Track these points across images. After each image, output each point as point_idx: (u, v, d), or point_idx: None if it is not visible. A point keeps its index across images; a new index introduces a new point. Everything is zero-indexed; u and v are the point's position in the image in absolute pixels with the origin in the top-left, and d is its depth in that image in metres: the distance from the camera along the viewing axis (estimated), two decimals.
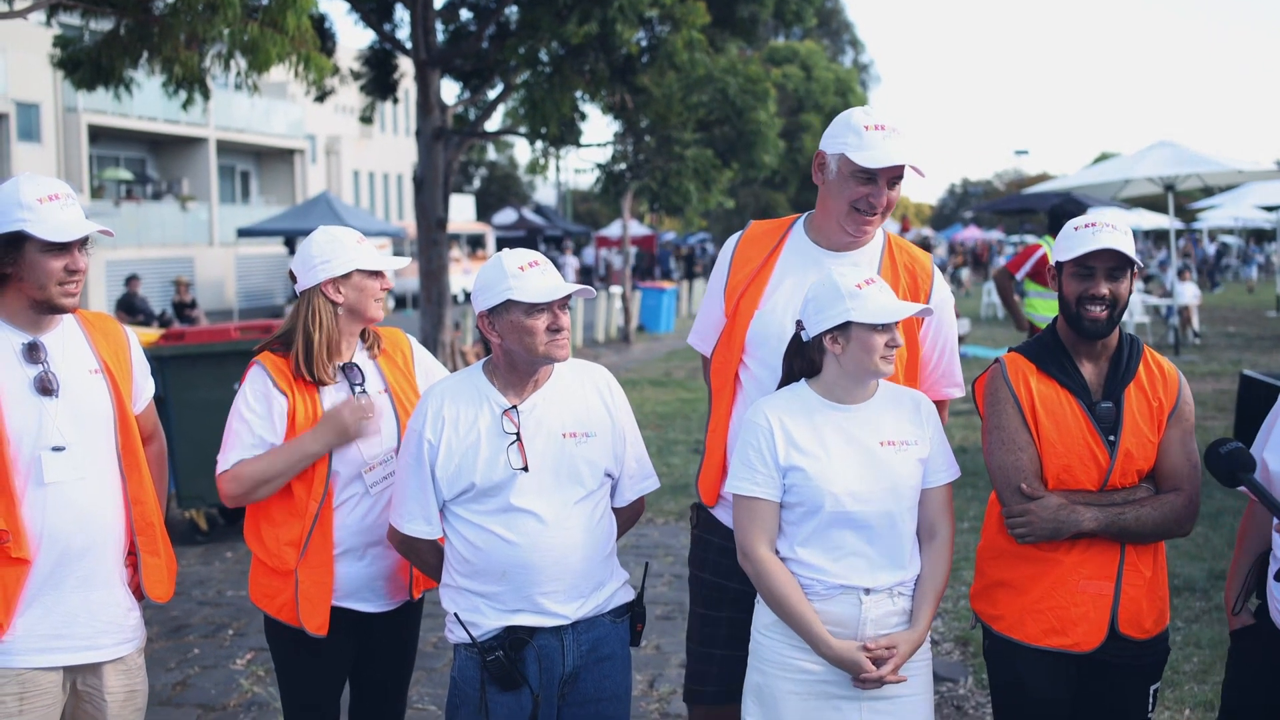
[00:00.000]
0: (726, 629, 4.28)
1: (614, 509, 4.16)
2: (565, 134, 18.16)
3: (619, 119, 19.18)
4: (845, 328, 3.83)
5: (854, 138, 4.08)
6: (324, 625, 4.31)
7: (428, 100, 18.58)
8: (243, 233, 36.55)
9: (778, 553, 3.89)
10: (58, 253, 3.86)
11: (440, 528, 4.02)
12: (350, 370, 4.41)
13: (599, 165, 19.48)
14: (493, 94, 20.83)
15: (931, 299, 4.26)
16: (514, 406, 3.95)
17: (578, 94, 17.87)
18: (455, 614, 3.96)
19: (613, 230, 57.22)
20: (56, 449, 3.89)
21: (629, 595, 4.16)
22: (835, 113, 27.64)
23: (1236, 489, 3.80)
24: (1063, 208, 11.21)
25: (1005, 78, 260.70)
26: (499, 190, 69.24)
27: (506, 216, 54.96)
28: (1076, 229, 4.02)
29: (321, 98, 19.42)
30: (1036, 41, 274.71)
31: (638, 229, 48.55)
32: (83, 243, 3.93)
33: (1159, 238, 56.18)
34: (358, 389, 4.37)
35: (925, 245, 49.12)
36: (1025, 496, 3.96)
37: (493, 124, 23.62)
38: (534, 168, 19.09)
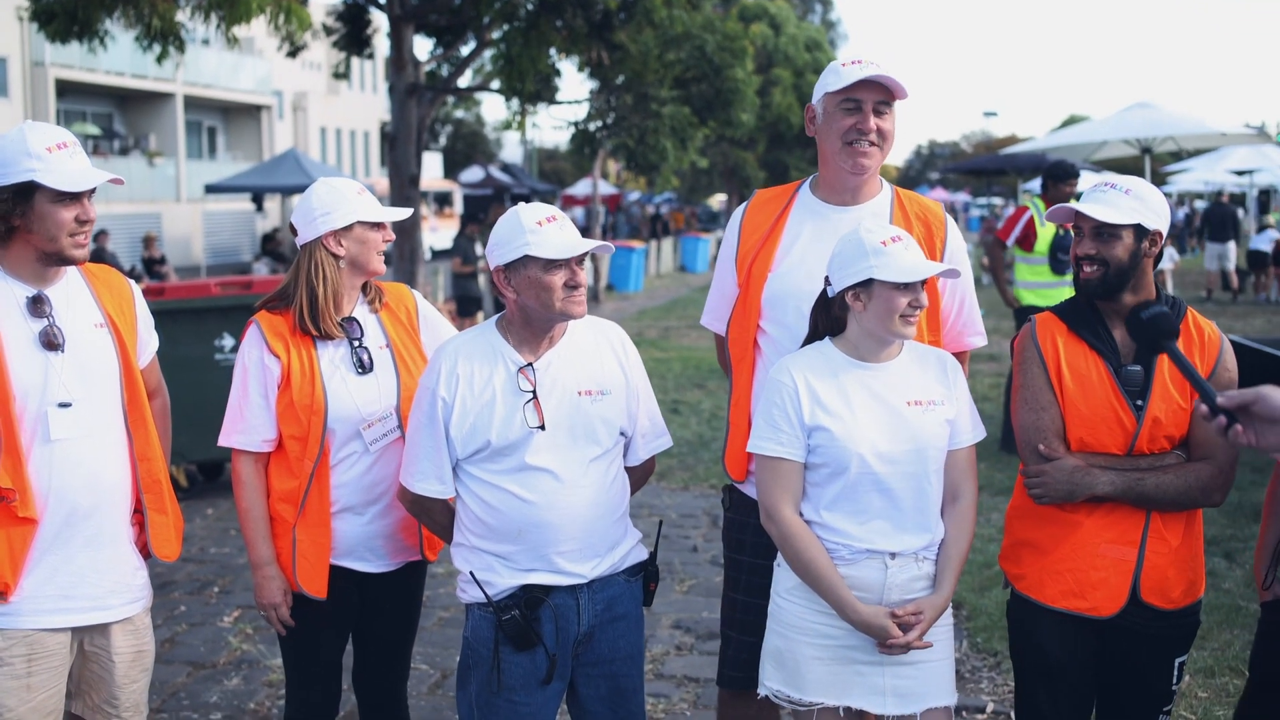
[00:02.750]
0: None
1: (626, 467, 4.12)
2: (541, 91, 18.02)
3: (594, 76, 19.04)
4: (868, 285, 3.78)
5: (833, 76, 4.14)
6: (323, 588, 4.26)
7: (401, 56, 18.37)
8: (210, 189, 36.26)
9: (801, 515, 3.86)
10: (68, 202, 3.78)
11: (453, 487, 3.97)
12: (350, 324, 4.33)
13: (573, 123, 19.33)
14: (466, 50, 20.65)
15: (947, 249, 4.23)
16: (529, 364, 3.90)
17: (553, 51, 17.74)
18: (470, 573, 3.92)
19: (579, 189, 57.04)
20: (63, 405, 3.82)
21: (643, 554, 4.13)
22: (805, 70, 27.63)
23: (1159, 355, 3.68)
24: (1057, 168, 11.16)
25: (974, 38, 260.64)
26: (465, 148, 68.79)
27: (473, 174, 54.47)
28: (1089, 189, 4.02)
29: (294, 53, 19.13)
30: (1006, 1, 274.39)
31: (605, 188, 48.39)
32: (91, 192, 3.85)
33: None
34: (356, 343, 4.30)
35: None
36: (1043, 457, 3.93)
37: (465, 80, 23.47)
38: (509, 125, 18.93)
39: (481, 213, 22.86)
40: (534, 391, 3.87)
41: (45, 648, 3.83)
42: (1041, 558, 4.04)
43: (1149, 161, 22.74)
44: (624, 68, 18.12)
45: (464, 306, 18.80)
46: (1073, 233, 4.07)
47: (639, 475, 4.22)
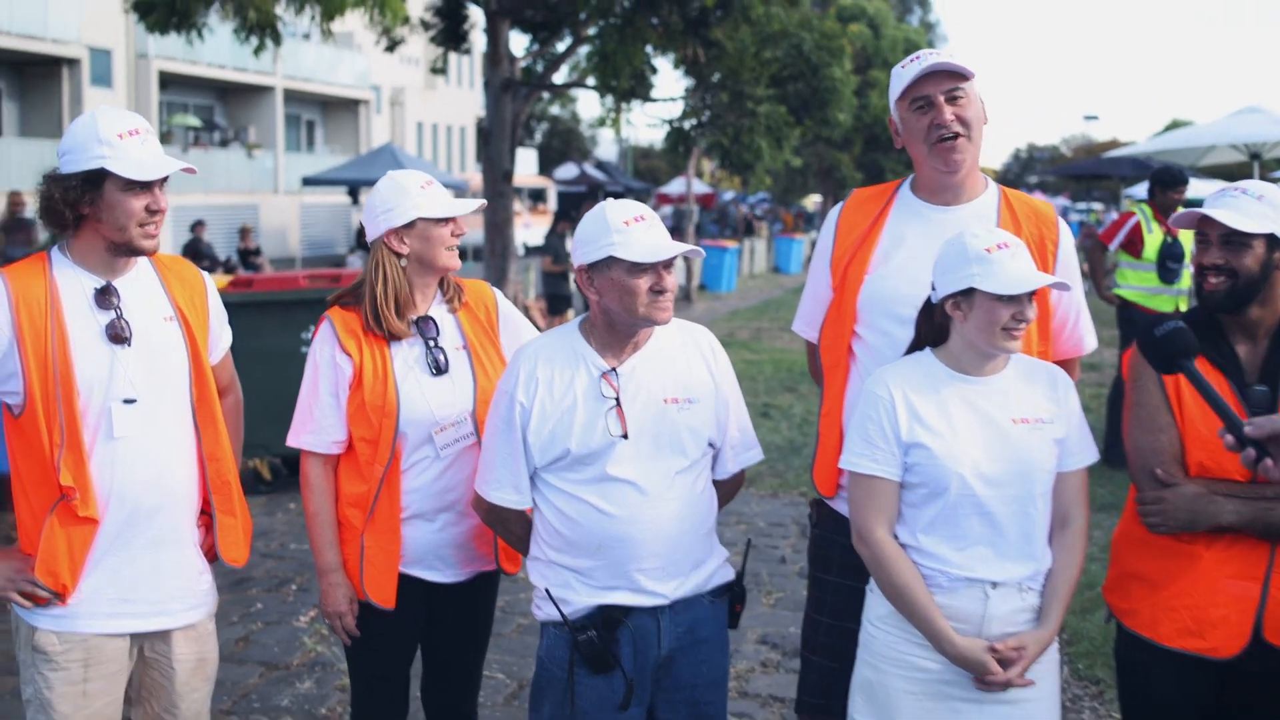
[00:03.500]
0: (856, 642, 3.98)
1: (714, 481, 3.90)
2: (636, 88, 17.85)
3: (690, 74, 18.84)
4: (969, 294, 3.53)
5: (896, 81, 3.95)
6: (391, 597, 4.09)
7: (496, 51, 18.35)
8: (307, 181, 36.49)
9: (896, 538, 3.62)
10: (139, 191, 3.63)
11: (530, 497, 3.77)
12: (425, 324, 4.14)
13: (668, 120, 19.15)
14: (561, 46, 20.57)
15: (1059, 252, 3.95)
16: (613, 369, 3.69)
17: (649, 47, 17.57)
18: (547, 590, 3.72)
19: (674, 187, 56.86)
20: (128, 401, 3.67)
21: (729, 574, 3.91)
22: None
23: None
24: (1165, 174, 10.92)
25: (1075, 41, 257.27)
26: (560, 145, 68.88)
27: (568, 171, 54.52)
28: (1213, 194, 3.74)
29: (391, 47, 19.22)
30: (1108, 3, 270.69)
31: (699, 187, 48.17)
32: (163, 181, 3.70)
33: None
34: (431, 343, 4.12)
35: None
36: (1160, 482, 3.65)
37: (560, 77, 23.37)
38: (603, 121, 18.77)
39: (574, 210, 22.70)
40: (617, 398, 3.67)
41: (103, 653, 3.70)
42: (1155, 593, 3.74)
43: (1258, 168, 22.20)
44: (720, 65, 17.92)
45: (554, 305, 18.67)
46: (1191, 240, 3.79)
47: (727, 489, 3.99)
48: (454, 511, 4.13)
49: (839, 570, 4.06)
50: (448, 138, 58.86)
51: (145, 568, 3.73)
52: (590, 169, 52.35)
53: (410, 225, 4.07)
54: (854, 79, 22.46)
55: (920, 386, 3.59)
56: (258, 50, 14.93)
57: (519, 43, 41.86)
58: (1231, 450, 2.67)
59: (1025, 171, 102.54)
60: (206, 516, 3.91)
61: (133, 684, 3.83)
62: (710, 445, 3.81)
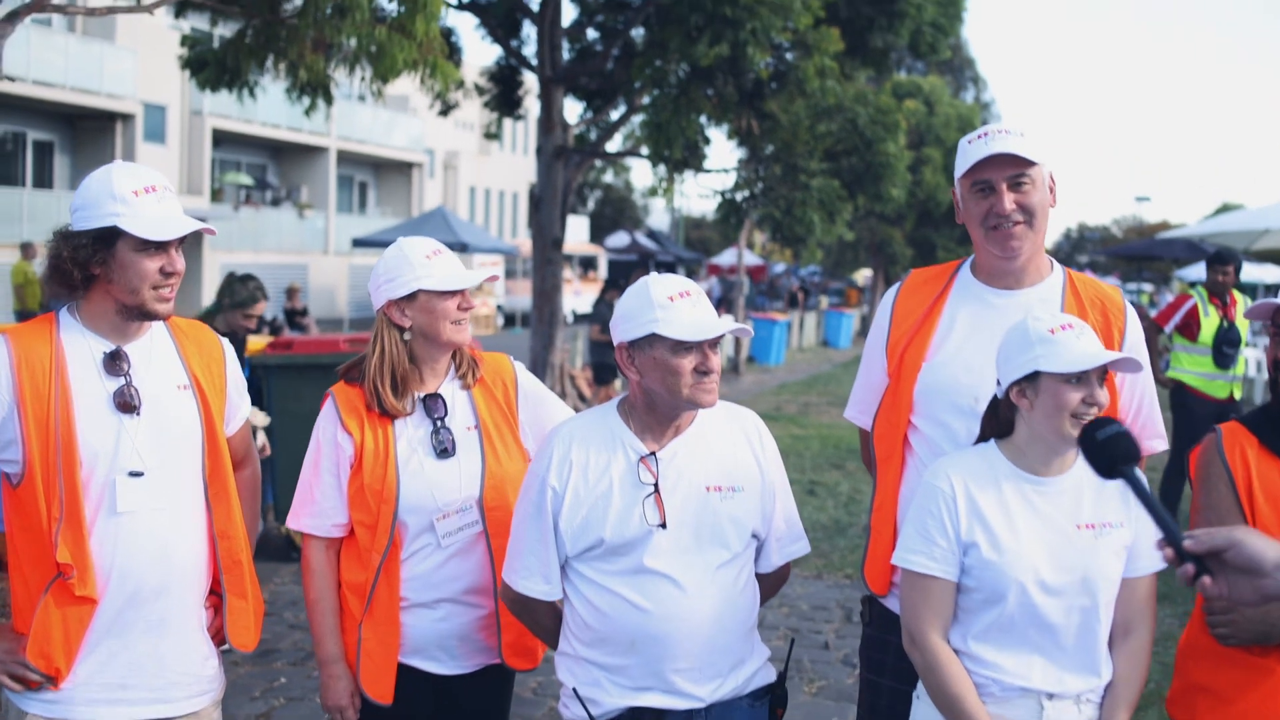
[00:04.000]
0: None
1: (757, 574, 3.64)
2: (689, 158, 17.69)
3: (743, 145, 18.68)
4: (1034, 379, 3.28)
5: (961, 157, 3.72)
6: (388, 692, 3.81)
7: (550, 118, 18.28)
8: (358, 243, 36.62)
9: (949, 643, 3.36)
10: (154, 252, 3.43)
11: (560, 587, 3.52)
12: (433, 402, 3.88)
13: (720, 191, 18.98)
14: (615, 115, 20.49)
15: (1126, 340, 3.70)
16: (652, 453, 3.45)
17: (702, 118, 17.44)
18: (575, 689, 3.46)
19: (725, 258, 56.76)
20: (134, 474, 3.45)
21: (770, 676, 3.63)
22: (955, 147, 27.26)
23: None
24: (1222, 255, 10.92)
25: (1128, 121, 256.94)
26: (613, 213, 69.04)
27: (619, 239, 54.61)
28: None
29: (445, 111, 19.18)
30: (1160, 87, 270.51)
31: (750, 258, 48.05)
32: (180, 242, 3.49)
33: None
34: (438, 422, 3.86)
35: None
36: None
37: (613, 145, 23.33)
38: (655, 191, 18.64)
39: (624, 278, 22.58)
40: (656, 484, 3.42)
41: None
42: (1224, 707, 3.44)
43: None
44: (774, 137, 17.73)
45: (600, 374, 18.47)
46: (1248, 324, 3.53)
47: (771, 584, 3.73)
48: (456, 602, 3.87)
49: (893, 674, 3.80)
50: (500, 203, 59.07)
51: (146, 652, 3.49)
52: (642, 238, 52.33)
53: (412, 297, 3.83)
54: (908, 154, 22.24)
55: (983, 482, 3.34)
56: (309, 110, 14.86)
57: (573, 110, 41.96)
58: (1170, 563, 2.44)
59: (1076, 251, 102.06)
60: (215, 597, 3.68)
61: None
62: (754, 536, 3.56)
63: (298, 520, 3.90)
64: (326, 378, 10.52)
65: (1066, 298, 3.74)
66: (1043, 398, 3.28)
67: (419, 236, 3.96)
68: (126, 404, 3.46)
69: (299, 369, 9.93)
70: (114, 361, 3.48)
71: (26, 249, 24.71)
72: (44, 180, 35.13)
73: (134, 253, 3.40)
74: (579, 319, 42.38)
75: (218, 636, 3.69)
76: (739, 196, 18.97)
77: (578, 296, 46.78)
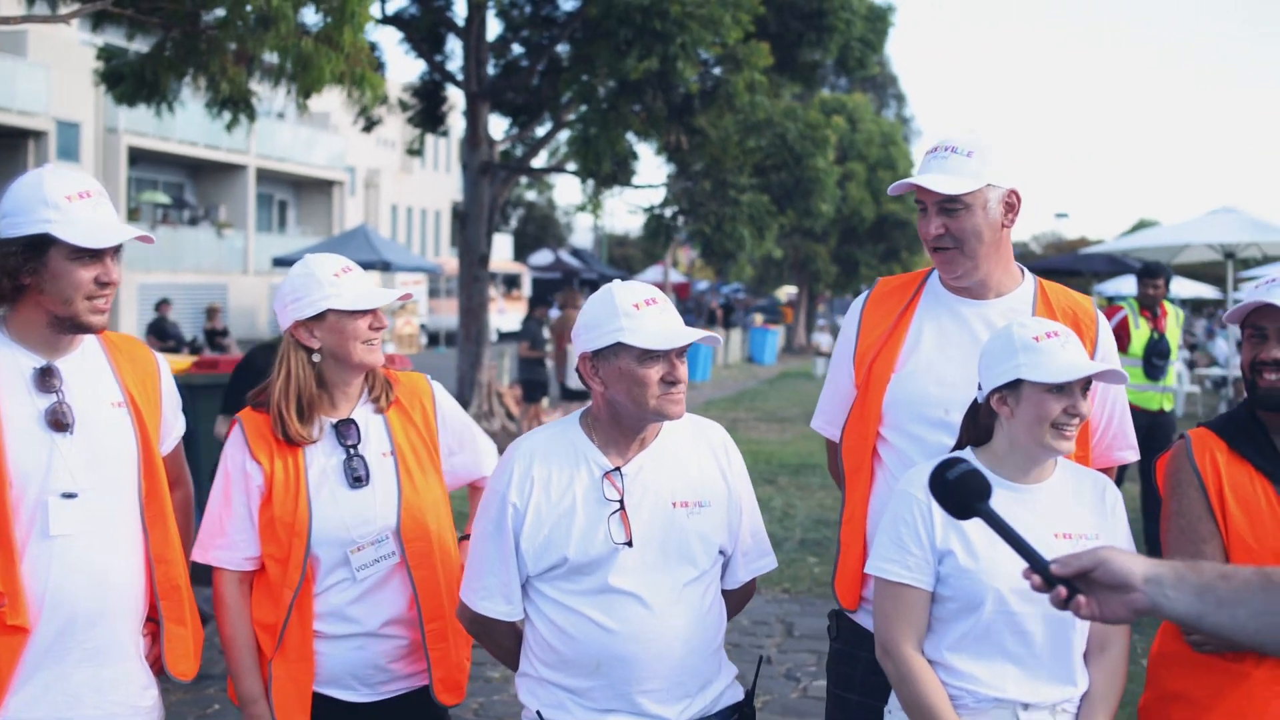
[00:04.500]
0: None
1: (723, 590, 3.51)
2: (617, 173, 17.62)
3: (672, 160, 18.64)
4: (1016, 387, 3.21)
5: (917, 168, 3.69)
6: None
7: (476, 134, 18.16)
8: (278, 262, 36.20)
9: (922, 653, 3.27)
10: (88, 261, 3.24)
11: (521, 608, 3.37)
12: (345, 428, 3.67)
13: (648, 208, 18.92)
14: (541, 130, 20.39)
15: (1098, 350, 3.64)
16: (617, 468, 3.31)
17: (630, 133, 17.37)
18: (538, 711, 3.31)
19: (649, 275, 56.77)
20: (67, 495, 3.26)
21: (738, 694, 3.51)
22: (880, 163, 27.48)
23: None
24: (1152, 268, 11.10)
25: (1046, 139, 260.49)
26: (536, 231, 68.86)
27: (543, 258, 54.54)
28: (1256, 285, 3.41)
29: (369, 127, 18.98)
30: (1077, 105, 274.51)
31: (674, 276, 48.08)
32: (116, 251, 3.31)
33: (1197, 307, 55.26)
34: (350, 449, 3.66)
35: None
36: None
37: (539, 161, 23.18)
38: (584, 207, 18.53)
39: (550, 295, 22.47)
40: (621, 501, 3.27)
41: None
42: (1200, 714, 3.38)
43: (1231, 267, 22.10)
44: (703, 153, 17.70)
45: (530, 392, 18.31)
46: (1239, 332, 3.48)
47: (737, 600, 3.60)
48: (375, 635, 3.68)
49: (861, 689, 3.72)
50: (422, 220, 58.73)
51: (82, 682, 3.30)
52: (566, 255, 52.33)
53: (320, 317, 3.63)
54: (836, 169, 22.31)
55: None
56: (230, 126, 14.62)
57: (498, 126, 41.81)
58: (1039, 591, 2.42)
59: None
60: (152, 624, 3.49)
61: None
62: (721, 553, 3.43)
63: (206, 553, 3.66)
64: None
65: (1037, 307, 3.68)
66: (1024, 406, 3.21)
67: (327, 254, 3.77)
68: (59, 422, 3.27)
69: (225, 388, 9.71)
70: (45, 377, 3.29)
71: None
72: None
73: (67, 261, 3.22)
74: (503, 337, 42.21)
75: (156, 665, 3.51)
76: (668, 212, 18.91)
77: (502, 315, 46.57)
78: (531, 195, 67.58)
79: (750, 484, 3.56)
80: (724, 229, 17.95)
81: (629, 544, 3.25)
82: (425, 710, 3.79)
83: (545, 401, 18.97)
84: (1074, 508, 3.29)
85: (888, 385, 3.66)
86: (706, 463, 3.43)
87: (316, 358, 3.67)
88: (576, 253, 57.15)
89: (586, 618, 3.26)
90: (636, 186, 18.50)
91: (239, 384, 6.85)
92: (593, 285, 52.16)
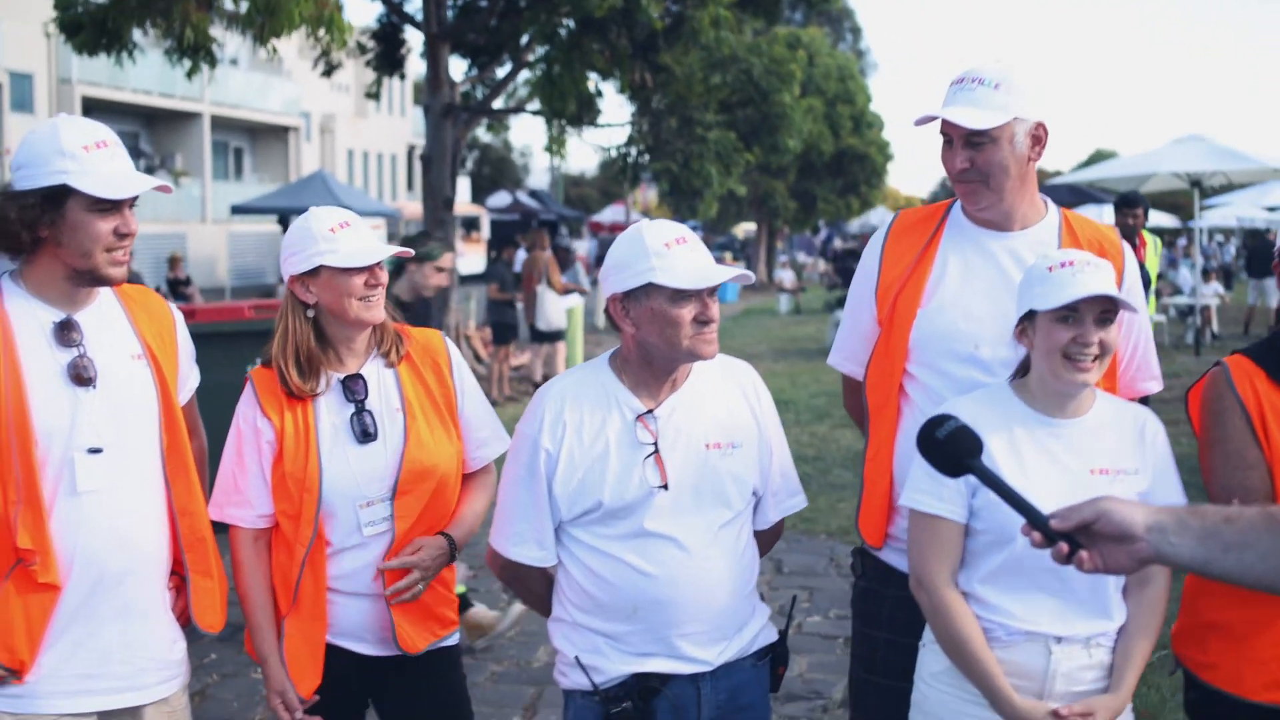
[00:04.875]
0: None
1: (754, 531, 3.51)
2: (582, 113, 17.49)
3: (636, 99, 18.51)
4: (1032, 317, 3.22)
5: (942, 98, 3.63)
6: (312, 688, 3.59)
7: (437, 76, 17.94)
8: (236, 210, 35.88)
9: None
10: (107, 212, 3.18)
11: (554, 553, 3.36)
12: (353, 383, 3.61)
13: (615, 147, 18.80)
14: (502, 72, 20.19)
15: (1124, 282, 3.58)
16: (649, 411, 3.29)
17: (594, 72, 17.24)
18: (576, 657, 3.31)
19: (606, 215, 56.61)
20: (93, 450, 3.22)
21: (772, 635, 3.52)
22: (838, 98, 27.23)
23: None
24: (1130, 198, 11.05)
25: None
26: (492, 173, 68.47)
27: (501, 200, 54.13)
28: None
29: (329, 71, 18.74)
30: (1031, 34, 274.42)
31: (634, 216, 47.89)
32: (133, 201, 3.25)
33: (1158, 235, 55.55)
34: (360, 404, 3.60)
35: None
36: None
37: (500, 103, 22.98)
38: (550, 148, 18.38)
39: (519, 234, 22.33)
40: (655, 444, 3.26)
41: None
42: (1238, 645, 3.38)
43: (1198, 195, 22.18)
44: (668, 90, 17.60)
45: (500, 334, 18.23)
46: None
47: (766, 540, 3.60)
48: (377, 598, 3.64)
49: (889, 626, 3.72)
50: (379, 165, 58.26)
51: (113, 638, 3.27)
52: (524, 197, 51.97)
53: (315, 272, 3.57)
54: (802, 104, 22.22)
55: (993, 423, 3.23)
56: (191, 73, 14.42)
57: (458, 68, 41.45)
58: (1039, 546, 2.39)
59: (951, 199, 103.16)
60: (176, 578, 3.46)
61: None
62: (753, 494, 3.42)
63: (222, 511, 3.62)
64: (233, 347, 10.23)
65: (1063, 239, 3.65)
66: (1038, 336, 3.22)
67: (329, 207, 3.69)
68: (81, 376, 3.22)
69: (205, 338, 9.57)
70: (65, 331, 3.24)
71: None
72: None
73: (86, 213, 3.16)
74: (464, 280, 42.03)
75: (182, 618, 3.48)
76: (634, 151, 18.80)
77: (461, 258, 46.29)
78: (487, 137, 67.16)
79: (779, 422, 3.54)
80: (691, 167, 17.88)
81: (664, 487, 3.25)
82: (441, 658, 3.78)
83: (513, 345, 18.90)
84: (1113, 442, 3.26)
85: (914, 321, 3.63)
86: (737, 403, 3.41)
87: (312, 313, 3.62)
88: (534, 194, 56.74)
89: (623, 562, 3.25)
90: (601, 125, 18.37)
91: None
92: (551, 226, 52.06)
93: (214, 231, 42.03)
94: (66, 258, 3.21)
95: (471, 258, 46.99)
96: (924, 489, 3.27)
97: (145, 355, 3.38)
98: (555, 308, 17.75)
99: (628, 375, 3.33)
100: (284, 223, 36.16)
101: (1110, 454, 3.25)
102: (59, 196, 3.15)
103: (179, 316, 3.59)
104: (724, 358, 3.47)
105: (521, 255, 19.97)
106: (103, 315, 3.35)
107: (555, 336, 17.91)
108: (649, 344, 3.25)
